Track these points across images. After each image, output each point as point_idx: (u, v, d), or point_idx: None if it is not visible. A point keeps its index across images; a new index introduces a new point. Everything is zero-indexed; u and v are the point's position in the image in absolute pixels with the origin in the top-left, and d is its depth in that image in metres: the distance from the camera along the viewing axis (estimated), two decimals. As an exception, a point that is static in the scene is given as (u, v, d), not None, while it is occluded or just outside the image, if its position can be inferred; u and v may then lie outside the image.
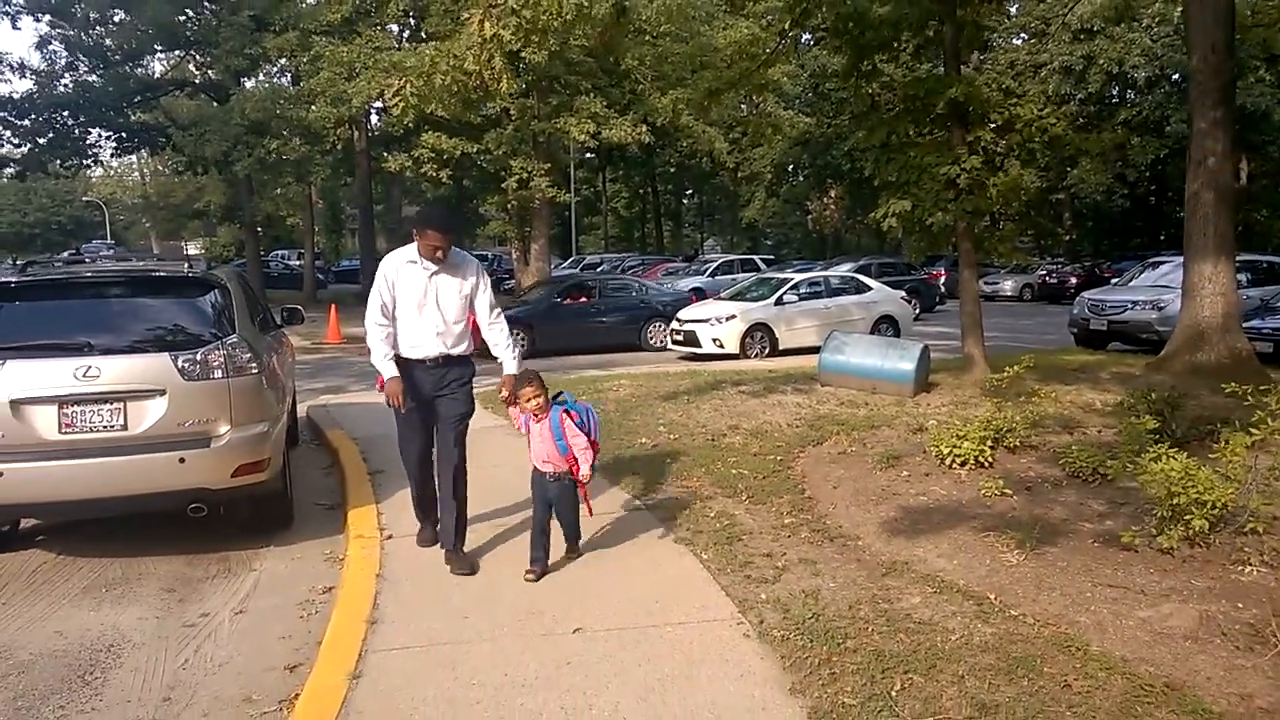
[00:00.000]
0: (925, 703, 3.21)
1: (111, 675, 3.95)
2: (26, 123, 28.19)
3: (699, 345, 15.51)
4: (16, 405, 4.85)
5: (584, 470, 4.61)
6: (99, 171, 50.24)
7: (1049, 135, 9.74)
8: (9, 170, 30.01)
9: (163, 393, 5.04)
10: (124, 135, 30.89)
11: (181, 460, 5.03)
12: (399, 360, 4.82)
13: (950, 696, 3.25)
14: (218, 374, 5.19)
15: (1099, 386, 9.21)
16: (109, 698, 3.75)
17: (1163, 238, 35.83)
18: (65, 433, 4.93)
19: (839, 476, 6.27)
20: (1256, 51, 28.97)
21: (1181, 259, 11.15)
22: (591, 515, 5.03)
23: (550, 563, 4.70)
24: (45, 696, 3.76)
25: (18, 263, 7.72)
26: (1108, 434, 6.96)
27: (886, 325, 16.33)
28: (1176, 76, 32.51)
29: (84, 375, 4.94)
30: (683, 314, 16.59)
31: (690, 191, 57.92)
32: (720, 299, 17.81)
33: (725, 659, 3.66)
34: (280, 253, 48.62)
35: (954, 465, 6.14)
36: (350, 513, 5.93)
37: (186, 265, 6.26)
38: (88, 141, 30.16)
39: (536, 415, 4.60)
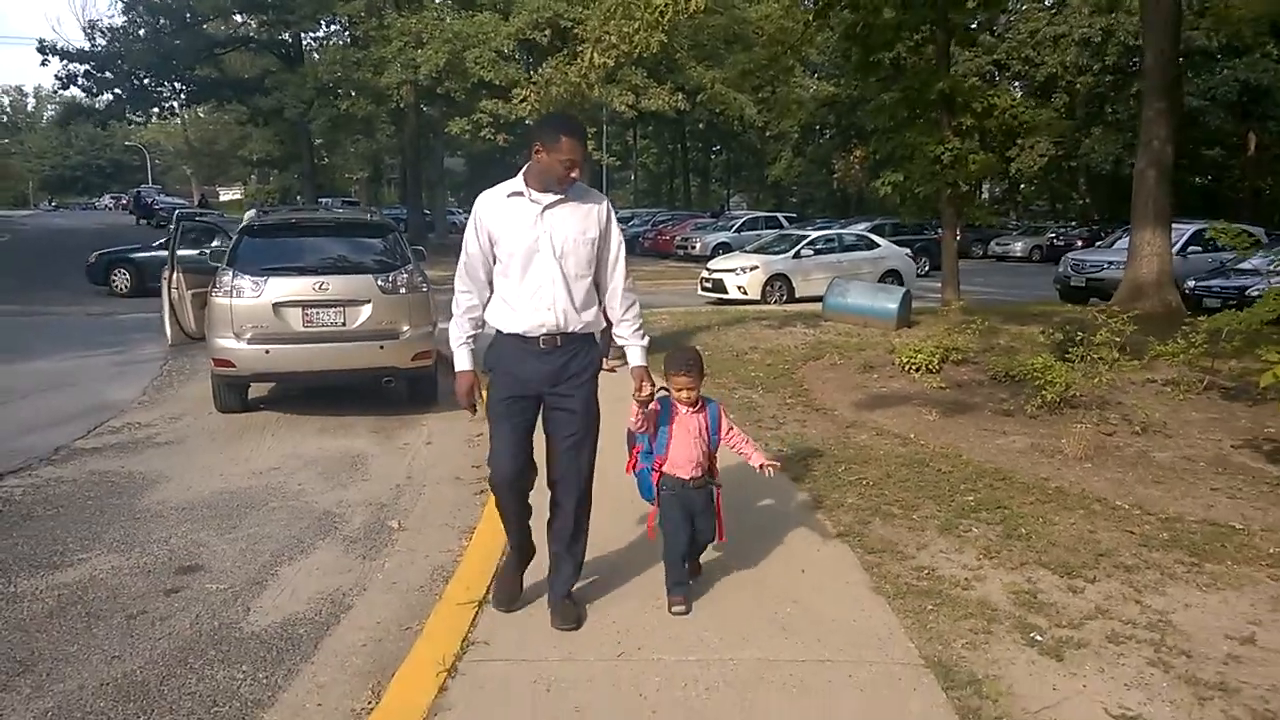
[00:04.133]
0: (858, 474, 5.66)
1: (369, 466, 6.47)
2: (109, 74, 30.79)
3: (725, 291, 17.92)
4: (277, 306, 7.35)
5: (756, 458, 3.85)
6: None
7: (1019, 121, 11.96)
8: (94, 118, 32.72)
9: (369, 301, 7.52)
10: (194, 89, 33.43)
11: (381, 347, 7.53)
12: (497, 340, 3.61)
13: (872, 473, 5.69)
14: (402, 290, 7.67)
15: (1048, 326, 11.50)
16: (372, 475, 6.26)
17: (1169, 204, 37.50)
18: (307, 326, 7.43)
19: (828, 378, 8.70)
20: (1263, 28, 30.52)
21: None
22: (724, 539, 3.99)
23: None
24: (335, 473, 6.28)
25: (263, 209, 10.17)
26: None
27: (891, 278, 18.62)
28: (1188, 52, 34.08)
29: (319, 288, 7.42)
30: (711, 264, 18.99)
31: (718, 149, 59.78)
32: (745, 252, 20.21)
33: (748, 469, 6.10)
34: (323, 200, 51.06)
35: (911, 370, 8.54)
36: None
37: (369, 214, 8.72)
38: (162, 95, 32.76)
39: (692, 408, 3.75)
